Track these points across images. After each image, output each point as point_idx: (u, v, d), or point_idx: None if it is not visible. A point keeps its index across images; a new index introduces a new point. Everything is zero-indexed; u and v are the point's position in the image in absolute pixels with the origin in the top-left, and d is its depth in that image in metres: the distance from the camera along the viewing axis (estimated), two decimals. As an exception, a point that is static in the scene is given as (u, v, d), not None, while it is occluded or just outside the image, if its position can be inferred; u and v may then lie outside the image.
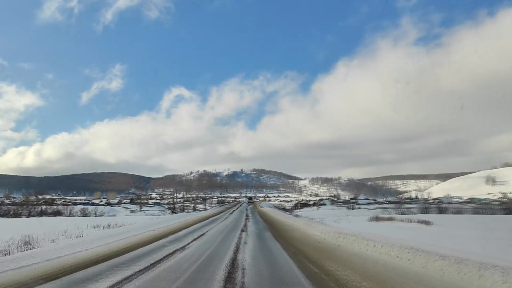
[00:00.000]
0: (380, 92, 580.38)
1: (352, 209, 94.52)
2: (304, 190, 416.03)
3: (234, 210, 62.64)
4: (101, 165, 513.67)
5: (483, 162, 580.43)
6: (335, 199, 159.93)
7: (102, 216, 61.91)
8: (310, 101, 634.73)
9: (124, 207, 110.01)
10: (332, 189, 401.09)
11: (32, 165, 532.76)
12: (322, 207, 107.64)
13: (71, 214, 62.90)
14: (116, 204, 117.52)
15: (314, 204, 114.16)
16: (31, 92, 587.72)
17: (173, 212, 63.02)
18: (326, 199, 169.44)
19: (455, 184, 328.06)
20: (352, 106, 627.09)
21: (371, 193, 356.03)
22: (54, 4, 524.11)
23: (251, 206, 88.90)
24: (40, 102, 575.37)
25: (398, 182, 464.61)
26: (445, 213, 52.85)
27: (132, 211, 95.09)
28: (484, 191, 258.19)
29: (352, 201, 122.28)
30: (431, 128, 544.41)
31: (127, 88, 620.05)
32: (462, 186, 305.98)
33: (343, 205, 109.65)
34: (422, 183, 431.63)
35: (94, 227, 23.65)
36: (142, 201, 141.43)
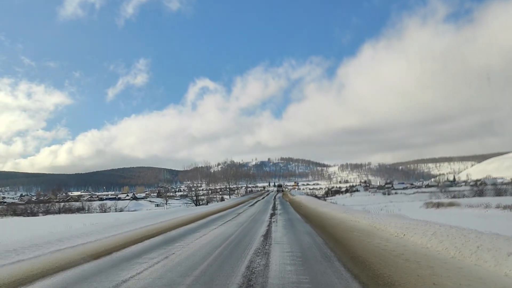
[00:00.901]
0: (408, 73, 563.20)
1: (388, 194, 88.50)
2: (333, 177, 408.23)
3: (259, 200, 53.81)
4: (131, 160, 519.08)
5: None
6: (368, 184, 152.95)
7: (122, 211, 58.40)
8: (336, 86, 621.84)
9: (150, 201, 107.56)
10: (363, 175, 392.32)
11: (64, 163, 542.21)
12: (356, 193, 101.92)
13: (89, 210, 59.54)
14: (142, 198, 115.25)
15: (346, 191, 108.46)
16: (60, 91, 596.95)
17: (196, 204, 59.21)
18: (359, 185, 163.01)
19: (493, 165, 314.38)
20: (379, 89, 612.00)
21: (403, 178, 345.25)
22: (76, 0, 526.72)
23: (279, 194, 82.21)
24: (69, 101, 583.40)
25: (430, 165, 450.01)
26: (505, 195, 46.52)
27: (157, 205, 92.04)
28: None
29: (387, 186, 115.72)
30: (462, 108, 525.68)
31: (152, 82, 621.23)
32: (500, 167, 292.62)
33: (378, 190, 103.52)
34: (456, 165, 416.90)
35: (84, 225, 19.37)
36: (170, 194, 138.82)
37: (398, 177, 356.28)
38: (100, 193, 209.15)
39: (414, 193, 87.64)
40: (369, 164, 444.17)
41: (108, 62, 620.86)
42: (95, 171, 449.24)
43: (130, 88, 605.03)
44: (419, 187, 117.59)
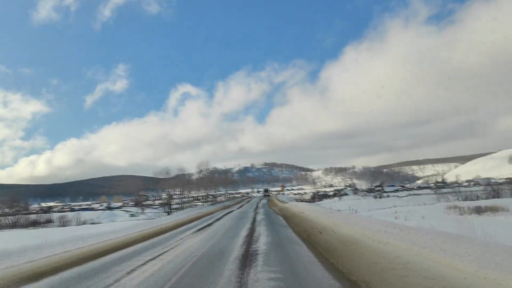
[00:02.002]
0: (391, 75, 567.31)
1: (380, 198, 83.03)
2: (318, 182, 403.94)
3: (232, 211, 36.89)
4: (112, 169, 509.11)
5: (500, 142, 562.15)
6: (357, 188, 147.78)
7: (84, 224, 51.39)
8: (319, 90, 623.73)
9: (126, 211, 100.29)
10: (347, 179, 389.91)
11: (44, 173, 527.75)
12: (344, 197, 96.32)
13: (45, 224, 52.25)
14: (117, 208, 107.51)
15: (334, 195, 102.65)
16: (37, 99, 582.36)
17: (169, 213, 52.62)
18: (345, 188, 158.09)
19: (477, 166, 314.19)
20: (361, 92, 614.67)
21: (388, 180, 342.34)
22: (49, 3, 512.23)
23: (264, 201, 67.90)
24: (46, 109, 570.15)
25: (414, 167, 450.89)
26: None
27: (132, 215, 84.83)
28: (509, 171, 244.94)
29: (377, 189, 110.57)
30: (444, 110, 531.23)
31: (132, 88, 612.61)
32: (484, 167, 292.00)
33: (368, 194, 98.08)
34: (440, 167, 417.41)
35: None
36: (149, 202, 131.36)
37: (383, 180, 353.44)
38: (76, 204, 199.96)
39: (407, 195, 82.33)
40: (353, 167, 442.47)
41: (86, 68, 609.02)
42: (74, 180, 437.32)
43: (110, 94, 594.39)
44: (410, 189, 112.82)
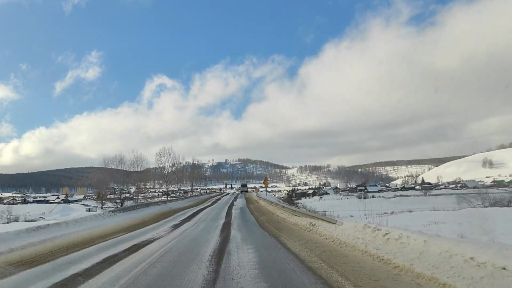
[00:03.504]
0: (369, 75, 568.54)
1: (365, 198, 76.27)
2: (292, 179, 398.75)
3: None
4: (82, 160, 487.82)
5: (472, 146, 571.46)
6: (338, 187, 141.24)
7: (16, 221, 42.53)
8: (297, 87, 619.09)
9: (84, 205, 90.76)
10: (322, 177, 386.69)
11: (10, 163, 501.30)
12: (325, 196, 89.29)
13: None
14: (75, 201, 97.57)
15: (314, 194, 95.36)
16: (4, 84, 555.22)
17: (121, 210, 43.74)
18: (320, 186, 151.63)
19: (451, 168, 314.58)
20: (339, 91, 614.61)
21: (362, 180, 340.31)
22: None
23: (241, 200, 50.70)
24: (14, 95, 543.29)
25: (388, 168, 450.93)
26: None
27: (89, 209, 75.60)
28: (483, 174, 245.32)
29: (359, 188, 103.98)
30: (420, 112, 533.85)
31: (105, 76, 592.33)
32: (458, 170, 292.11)
33: (351, 194, 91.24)
34: (413, 169, 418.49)
35: None
36: (113, 196, 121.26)
37: (357, 180, 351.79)
38: (38, 195, 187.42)
39: (394, 196, 75.81)
40: (328, 166, 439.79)
41: (55, 52, 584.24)
42: (40, 171, 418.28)
43: (81, 82, 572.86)
44: (395, 189, 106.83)
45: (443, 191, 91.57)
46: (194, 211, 30.40)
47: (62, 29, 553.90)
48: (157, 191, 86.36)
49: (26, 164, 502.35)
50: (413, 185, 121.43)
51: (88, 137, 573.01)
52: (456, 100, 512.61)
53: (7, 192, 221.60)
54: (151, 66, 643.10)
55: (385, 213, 36.97)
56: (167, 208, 33.89)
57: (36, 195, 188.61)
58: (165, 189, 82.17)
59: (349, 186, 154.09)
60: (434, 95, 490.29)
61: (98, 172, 61.12)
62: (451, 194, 75.02)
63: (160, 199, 60.74)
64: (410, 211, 33.53)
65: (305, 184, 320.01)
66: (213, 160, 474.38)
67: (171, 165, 72.18)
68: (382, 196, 77.43)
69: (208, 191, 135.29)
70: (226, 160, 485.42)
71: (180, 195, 72.42)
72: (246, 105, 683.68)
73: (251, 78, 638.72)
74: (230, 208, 33.09)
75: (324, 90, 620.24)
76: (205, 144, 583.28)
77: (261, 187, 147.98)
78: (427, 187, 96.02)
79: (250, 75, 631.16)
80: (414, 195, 75.56)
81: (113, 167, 56.36)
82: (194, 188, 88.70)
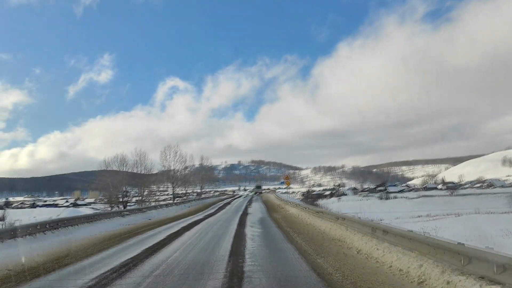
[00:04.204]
0: (384, 74, 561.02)
1: (386, 199, 71.78)
2: (306, 181, 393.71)
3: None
4: (96, 163, 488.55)
5: (489, 145, 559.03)
6: (356, 187, 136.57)
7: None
8: (310, 87, 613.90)
9: (93, 208, 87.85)
10: (336, 178, 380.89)
11: (26, 167, 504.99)
12: (344, 197, 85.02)
13: None
14: (84, 205, 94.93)
15: (331, 195, 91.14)
16: (19, 89, 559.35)
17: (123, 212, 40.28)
18: (335, 187, 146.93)
19: (469, 168, 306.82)
20: (353, 91, 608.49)
21: (377, 181, 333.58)
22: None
23: (256, 205, 42.84)
24: (29, 99, 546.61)
25: (404, 168, 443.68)
26: None
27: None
28: (503, 173, 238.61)
29: (379, 189, 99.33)
30: (436, 111, 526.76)
31: (117, 79, 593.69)
32: (477, 169, 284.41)
33: (370, 194, 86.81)
34: (430, 168, 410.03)
35: None
36: (126, 199, 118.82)
37: (373, 180, 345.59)
38: (50, 199, 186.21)
39: (418, 197, 71.18)
40: (343, 167, 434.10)
41: (68, 56, 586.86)
42: (54, 174, 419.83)
43: (94, 85, 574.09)
44: (417, 190, 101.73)
45: (469, 190, 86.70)
46: (170, 232, 17.76)
47: (74, 32, 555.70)
48: (170, 194, 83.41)
49: (41, 168, 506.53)
50: (435, 185, 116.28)
51: (102, 141, 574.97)
52: (473, 98, 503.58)
53: (21, 196, 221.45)
54: (163, 69, 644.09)
55: (419, 216, 32.93)
56: (135, 223, 23.26)
57: (49, 199, 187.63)
58: (178, 191, 78.98)
59: (365, 186, 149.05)
60: (450, 94, 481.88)
61: (113, 175, 58.11)
62: (479, 194, 70.35)
63: (158, 203, 52.09)
64: (458, 215, 29.17)
65: (319, 185, 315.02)
66: (226, 162, 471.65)
67: (182, 167, 68.29)
68: (405, 197, 72.85)
69: (218, 193, 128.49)
70: (239, 162, 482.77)
71: (187, 198, 68.30)
72: (258, 107, 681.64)
73: (263, 79, 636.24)
74: (242, 221, 22.19)
75: (337, 90, 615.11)
76: (218, 146, 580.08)
77: (280, 188, 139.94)
78: (451, 187, 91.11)
79: (263, 76, 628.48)
80: (439, 195, 70.95)
81: (114, 168, 53.11)
82: (203, 190, 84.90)
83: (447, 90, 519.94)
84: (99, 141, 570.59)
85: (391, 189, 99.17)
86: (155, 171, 68.15)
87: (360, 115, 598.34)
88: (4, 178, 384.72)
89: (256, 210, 34.73)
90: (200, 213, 33.50)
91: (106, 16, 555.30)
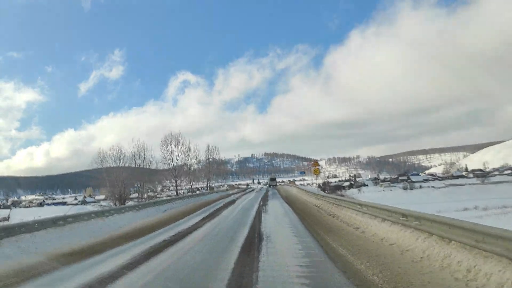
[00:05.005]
0: (398, 61, 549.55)
1: (411, 189, 66.79)
2: (321, 172, 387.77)
3: None
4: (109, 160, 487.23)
5: (507, 131, 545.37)
6: (377, 178, 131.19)
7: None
8: (323, 77, 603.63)
9: (101, 205, 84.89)
10: (351, 169, 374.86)
11: (41, 165, 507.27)
12: (364, 188, 79.98)
13: None
14: (93, 202, 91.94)
15: (350, 186, 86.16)
16: (31, 87, 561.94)
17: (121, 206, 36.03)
18: (351, 178, 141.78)
19: (490, 154, 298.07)
20: (367, 79, 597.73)
21: (394, 170, 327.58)
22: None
23: (274, 204, 29.28)
24: (41, 98, 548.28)
25: (420, 157, 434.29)
26: None
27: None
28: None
29: (401, 178, 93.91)
30: (452, 97, 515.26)
31: (128, 75, 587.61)
32: (498, 156, 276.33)
33: (392, 184, 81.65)
34: (447, 156, 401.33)
35: None
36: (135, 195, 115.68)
37: (389, 170, 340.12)
38: (62, 196, 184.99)
39: (446, 186, 65.92)
40: (358, 157, 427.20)
41: (78, 52, 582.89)
42: (68, 172, 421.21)
43: (105, 82, 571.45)
44: (443, 178, 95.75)
45: (499, 178, 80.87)
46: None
47: (83, 28, 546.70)
48: (183, 188, 79.47)
49: (56, 166, 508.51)
50: (460, 173, 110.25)
51: (115, 137, 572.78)
52: (490, 83, 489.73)
53: (33, 194, 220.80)
54: (174, 62, 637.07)
55: (466, 209, 28.12)
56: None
57: (59, 196, 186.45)
58: (189, 186, 74.88)
59: (381, 176, 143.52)
60: (466, 79, 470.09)
61: (126, 171, 54.12)
62: (513, 181, 64.81)
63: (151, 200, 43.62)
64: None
65: (335, 176, 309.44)
66: (239, 155, 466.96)
67: (187, 159, 63.03)
68: (432, 186, 67.58)
69: (226, 186, 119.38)
70: (252, 154, 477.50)
71: (190, 193, 62.83)
72: (270, 98, 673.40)
73: (275, 70, 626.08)
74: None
75: (350, 79, 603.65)
76: (231, 139, 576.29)
77: (301, 180, 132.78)
78: (480, 175, 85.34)
79: (274, 67, 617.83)
80: (469, 184, 65.57)
81: (110, 161, 49.04)
82: (211, 185, 79.90)
83: (463, 75, 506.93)
84: (112, 137, 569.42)
85: (413, 178, 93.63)
86: (159, 166, 62.83)
87: (374, 104, 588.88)
88: (20, 177, 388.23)
89: (278, 216, 19.58)
90: (184, 220, 20.05)
91: (114, 10, 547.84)
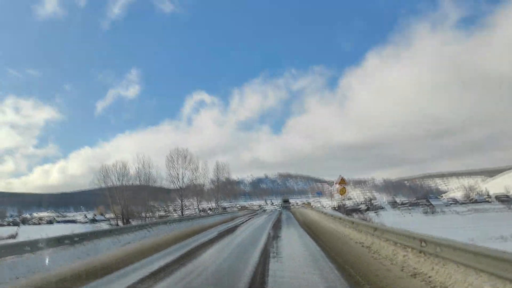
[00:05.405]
0: (415, 83, 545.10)
1: (432, 213, 63.60)
2: (335, 194, 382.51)
3: None
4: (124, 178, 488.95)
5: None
6: (396, 201, 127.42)
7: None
8: (339, 99, 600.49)
9: (111, 224, 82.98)
10: (366, 191, 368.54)
11: (57, 182, 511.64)
12: (382, 212, 76.77)
13: None
14: (103, 220, 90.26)
15: (367, 209, 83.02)
16: (49, 105, 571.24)
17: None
18: (366, 201, 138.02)
19: (510, 179, 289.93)
20: (383, 101, 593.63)
21: (410, 194, 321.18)
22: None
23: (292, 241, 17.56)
24: (59, 116, 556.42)
25: (438, 180, 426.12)
26: None
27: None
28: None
29: (421, 202, 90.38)
30: (470, 121, 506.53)
31: (145, 94, 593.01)
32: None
33: (411, 208, 78.42)
34: (465, 180, 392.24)
35: None
36: (147, 215, 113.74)
37: (405, 194, 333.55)
38: (71, 214, 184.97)
39: (468, 211, 62.66)
40: (373, 180, 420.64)
41: (95, 71, 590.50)
42: (83, 190, 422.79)
43: (122, 100, 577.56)
44: (464, 203, 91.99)
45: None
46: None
47: (101, 46, 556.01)
48: (195, 208, 77.58)
49: (71, 183, 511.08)
50: (483, 198, 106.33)
51: (131, 156, 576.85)
52: (510, 106, 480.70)
53: (45, 211, 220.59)
54: (190, 82, 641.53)
55: (502, 237, 25.37)
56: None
57: (70, 214, 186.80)
58: (198, 206, 72.72)
59: (397, 200, 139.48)
60: (484, 102, 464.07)
61: (139, 190, 52.96)
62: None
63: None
64: None
65: (349, 198, 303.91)
66: (252, 175, 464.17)
67: (194, 176, 61.17)
68: (455, 211, 64.30)
69: (236, 208, 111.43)
70: (265, 175, 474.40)
71: (200, 214, 60.80)
72: (285, 119, 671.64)
73: (290, 90, 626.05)
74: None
75: (366, 101, 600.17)
76: (244, 159, 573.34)
77: (314, 201, 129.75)
78: (504, 200, 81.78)
79: (290, 88, 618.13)
80: (493, 209, 62.32)
81: (113, 179, 47.52)
82: (221, 205, 77.59)
83: (481, 98, 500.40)
84: (128, 156, 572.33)
85: (433, 202, 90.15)
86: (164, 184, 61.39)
87: (391, 126, 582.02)
88: (35, 194, 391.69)
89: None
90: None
91: (132, 30, 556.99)
